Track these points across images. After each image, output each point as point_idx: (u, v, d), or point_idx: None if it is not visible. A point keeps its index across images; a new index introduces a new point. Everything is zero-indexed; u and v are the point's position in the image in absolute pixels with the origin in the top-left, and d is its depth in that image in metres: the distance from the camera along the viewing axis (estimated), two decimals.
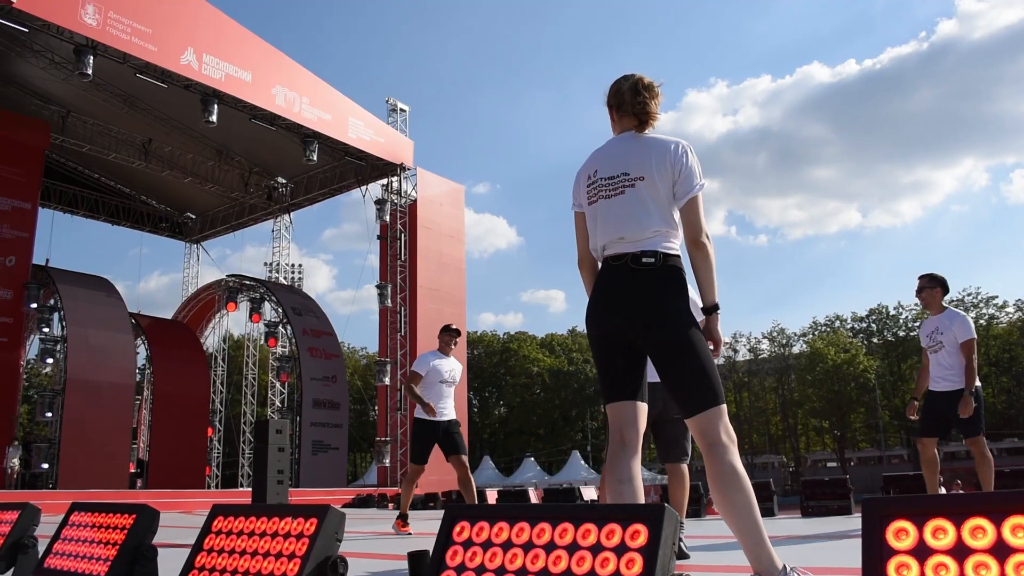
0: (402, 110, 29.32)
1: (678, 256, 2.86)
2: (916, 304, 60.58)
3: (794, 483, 48.85)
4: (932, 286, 6.40)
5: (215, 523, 2.54)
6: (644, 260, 2.80)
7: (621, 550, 1.83)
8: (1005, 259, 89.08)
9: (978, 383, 6.31)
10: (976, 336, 6.33)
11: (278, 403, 31.85)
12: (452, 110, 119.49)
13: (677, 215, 2.89)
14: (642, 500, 2.81)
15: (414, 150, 28.96)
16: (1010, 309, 57.55)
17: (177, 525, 9.90)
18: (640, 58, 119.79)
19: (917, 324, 59.69)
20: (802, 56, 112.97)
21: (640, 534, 1.83)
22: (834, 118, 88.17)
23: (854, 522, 7.60)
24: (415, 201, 28.48)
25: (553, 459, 56.12)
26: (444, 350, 7.55)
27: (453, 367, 7.63)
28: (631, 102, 3.00)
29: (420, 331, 27.55)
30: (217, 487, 32.05)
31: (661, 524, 1.81)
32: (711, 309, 2.82)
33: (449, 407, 7.60)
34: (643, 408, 2.87)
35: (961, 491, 17.48)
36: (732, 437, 2.70)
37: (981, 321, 58.28)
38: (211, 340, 34.57)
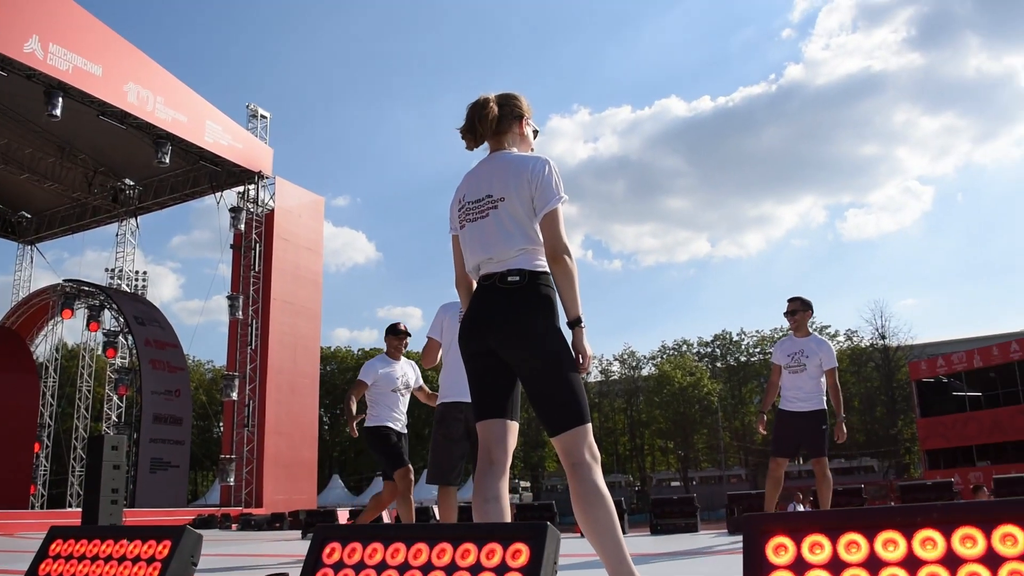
0: (263, 116, 28.49)
1: (547, 273, 2.84)
2: (757, 331, 64.03)
3: (640, 501, 50.28)
4: (804, 309, 6.69)
5: (52, 546, 2.30)
6: (509, 279, 2.80)
7: (502, 570, 1.78)
8: (838, 292, 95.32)
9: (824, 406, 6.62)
10: None
11: (115, 418, 29.97)
12: (316, 121, 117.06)
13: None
14: (508, 519, 2.76)
15: (274, 158, 28.18)
16: (840, 338, 61.47)
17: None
18: (507, 80, 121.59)
19: (758, 350, 62.96)
20: (661, 89, 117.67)
21: (522, 553, 1.78)
22: (689, 151, 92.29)
23: (701, 539, 7.84)
24: (272, 211, 27.65)
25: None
26: (392, 354, 6.84)
27: (405, 372, 6.92)
28: (485, 123, 2.95)
29: (272, 344, 26.70)
30: (42, 507, 29.81)
31: (544, 542, 1.77)
32: (574, 323, 2.79)
33: (403, 417, 7.07)
34: (513, 427, 2.86)
35: (807, 508, 18.33)
36: (596, 456, 2.70)
37: None
38: (42, 349, 32.29)
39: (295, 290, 28.00)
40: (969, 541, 1.48)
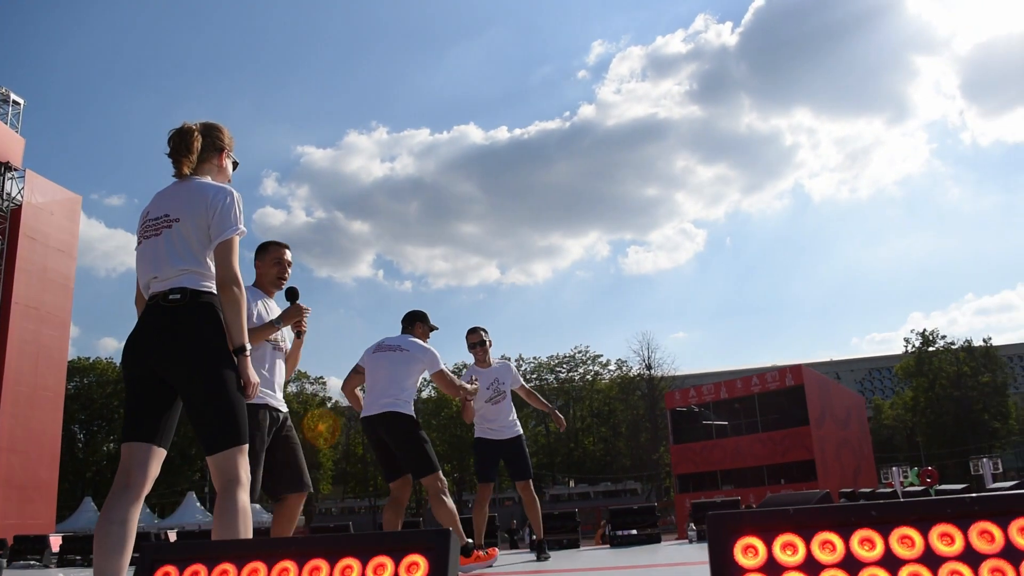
0: (15, 102, 26.02)
1: (211, 294, 2.82)
2: (535, 357, 65.98)
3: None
4: (487, 340, 6.80)
5: None
6: (171, 297, 2.78)
7: None
8: (615, 323, 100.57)
9: (521, 430, 6.73)
10: None
11: None
12: (92, 112, 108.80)
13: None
14: (131, 546, 2.62)
15: (25, 149, 25.75)
16: (612, 367, 64.63)
17: None
18: (307, 88, 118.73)
19: (534, 376, 64.84)
20: (460, 116, 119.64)
21: (419, 567, 1.58)
22: (483, 178, 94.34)
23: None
24: (19, 206, 25.22)
25: (166, 500, 52.16)
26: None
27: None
28: (181, 149, 2.96)
29: (11, 352, 24.22)
30: None
31: (447, 552, 1.58)
32: (238, 351, 2.80)
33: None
34: (158, 452, 2.78)
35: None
36: (248, 477, 2.74)
37: (588, 376, 64.82)
38: None
39: (41, 295, 25.60)
40: (947, 538, 1.47)
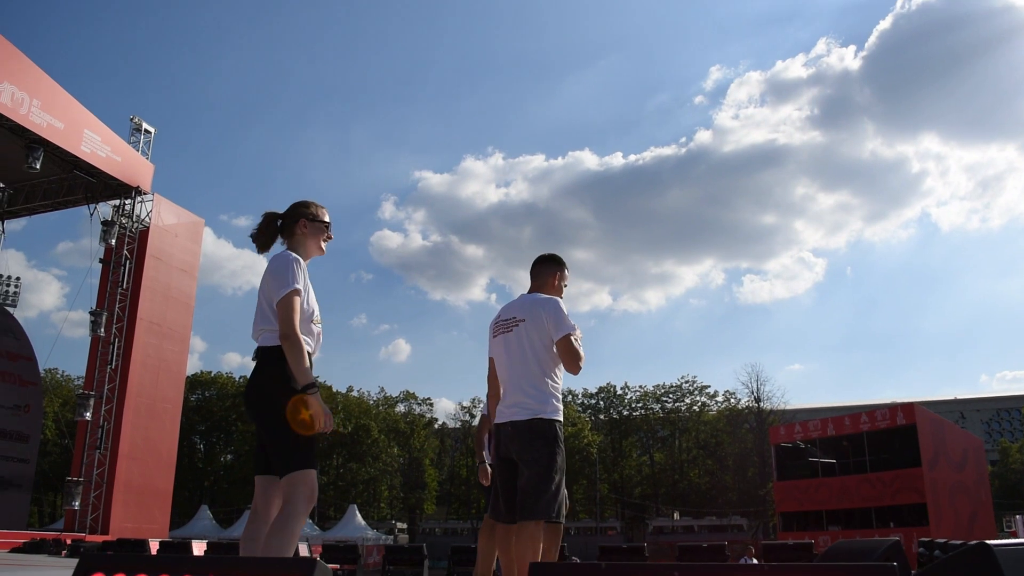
0: (147, 131, 27.85)
1: (276, 347, 3.27)
2: (640, 386, 65.24)
3: None
4: None
5: None
6: (255, 354, 3.38)
7: None
8: (728, 353, 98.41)
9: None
10: None
11: None
12: (217, 139, 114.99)
13: None
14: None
15: (154, 174, 27.55)
16: (720, 398, 63.23)
17: None
18: (425, 113, 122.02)
19: (640, 404, 64.10)
20: (575, 141, 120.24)
21: None
22: (596, 204, 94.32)
23: None
24: (147, 228, 26.93)
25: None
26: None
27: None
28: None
29: (135, 365, 25.79)
30: None
31: None
32: (303, 389, 3.19)
33: None
34: (272, 480, 3.29)
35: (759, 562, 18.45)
36: (311, 498, 3.18)
37: (695, 407, 63.61)
38: None
39: (164, 311, 27.21)
40: None
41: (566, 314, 4.03)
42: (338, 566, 15.62)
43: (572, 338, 3.96)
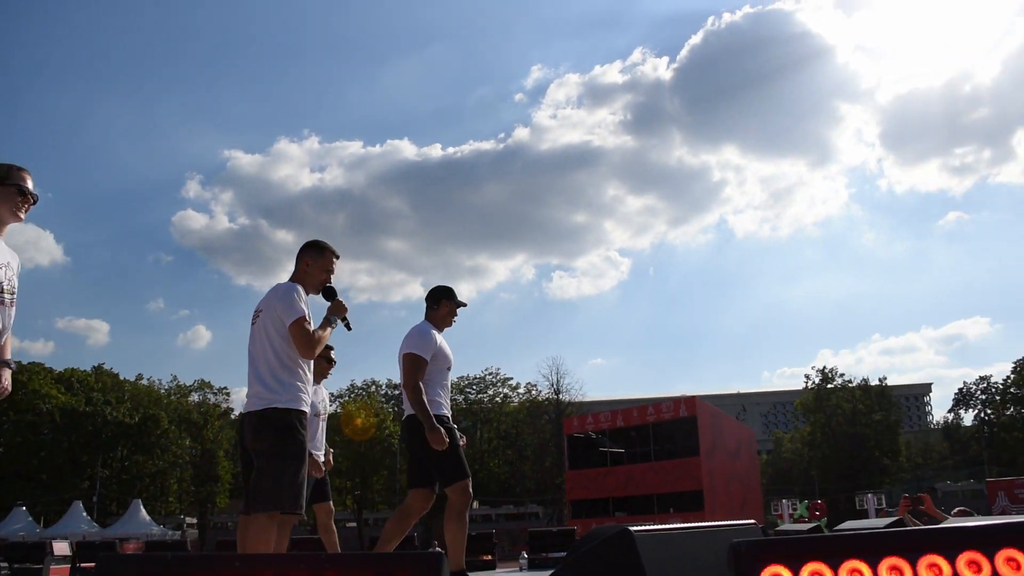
0: None
1: None
2: None
3: None
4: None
5: None
6: None
7: None
8: (537, 346, 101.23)
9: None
10: None
11: None
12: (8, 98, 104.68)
13: None
14: None
15: None
16: (521, 390, 64.81)
17: None
18: (241, 93, 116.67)
19: None
20: (394, 130, 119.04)
21: None
22: (412, 195, 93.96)
23: None
24: None
25: (52, 508, 49.90)
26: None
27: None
28: None
29: None
30: None
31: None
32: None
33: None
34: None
35: None
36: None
37: (497, 399, 64.86)
38: None
39: None
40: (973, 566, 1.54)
41: (297, 299, 3.98)
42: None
43: (303, 323, 3.90)
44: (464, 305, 5.37)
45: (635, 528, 2.81)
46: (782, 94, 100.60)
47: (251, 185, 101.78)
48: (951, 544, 1.62)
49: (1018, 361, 66.51)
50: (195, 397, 63.58)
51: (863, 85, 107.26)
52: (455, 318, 5.32)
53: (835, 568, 1.58)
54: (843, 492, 59.19)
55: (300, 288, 4.08)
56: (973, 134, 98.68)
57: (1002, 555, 1.59)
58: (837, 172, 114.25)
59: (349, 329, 4.27)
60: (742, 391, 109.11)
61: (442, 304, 5.27)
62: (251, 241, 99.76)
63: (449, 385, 5.24)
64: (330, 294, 4.23)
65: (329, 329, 4.04)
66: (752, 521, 3.92)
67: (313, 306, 4.12)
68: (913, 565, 1.60)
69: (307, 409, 3.92)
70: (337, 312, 4.15)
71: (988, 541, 1.61)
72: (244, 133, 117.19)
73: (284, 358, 3.89)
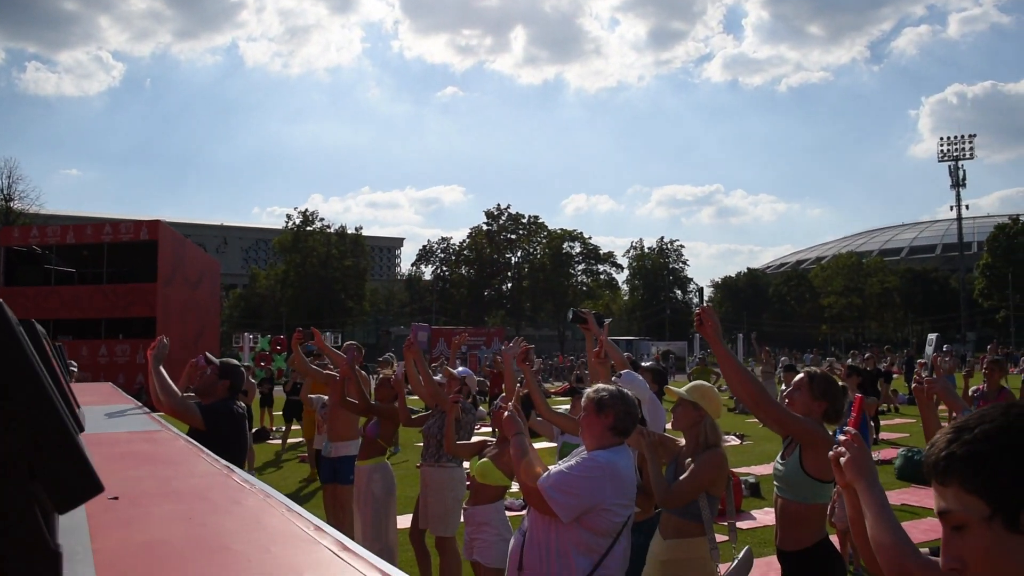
0: None
1: None
2: None
3: None
4: None
5: None
6: None
7: None
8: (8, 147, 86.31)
9: None
10: None
11: None
12: None
13: None
14: None
15: None
16: None
17: None
18: None
19: None
20: None
21: None
22: None
23: None
24: None
25: None
26: None
27: None
28: None
29: None
30: None
31: None
32: None
33: None
34: None
35: None
36: None
37: None
38: None
39: None
40: None
41: None
42: None
43: None
44: None
45: None
46: None
47: None
48: None
49: (474, 227, 75.65)
50: None
51: None
52: None
53: None
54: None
55: None
56: (481, 20, 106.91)
57: None
58: (356, 23, 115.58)
59: None
60: (226, 223, 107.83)
61: None
62: None
63: None
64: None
65: None
66: None
67: None
68: None
69: None
70: None
71: None
72: None
73: None
